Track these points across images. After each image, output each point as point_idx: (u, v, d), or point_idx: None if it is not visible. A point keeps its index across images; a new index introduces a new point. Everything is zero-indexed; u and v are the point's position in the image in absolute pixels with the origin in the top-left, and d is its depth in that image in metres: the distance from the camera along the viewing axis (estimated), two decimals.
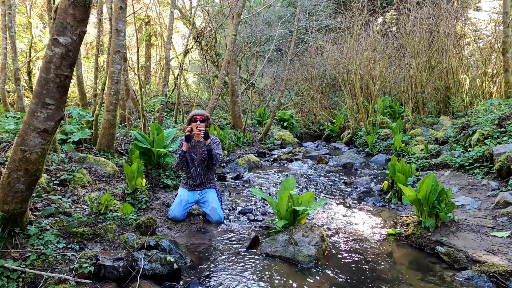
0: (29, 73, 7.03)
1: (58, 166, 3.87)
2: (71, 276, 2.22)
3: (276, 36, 13.18)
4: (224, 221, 3.77)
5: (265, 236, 3.35)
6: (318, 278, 2.60)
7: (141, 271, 2.44)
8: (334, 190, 5.25)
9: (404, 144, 7.65)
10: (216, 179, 4.08)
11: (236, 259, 2.88)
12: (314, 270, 2.71)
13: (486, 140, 5.43)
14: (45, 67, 2.11)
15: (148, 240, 2.79)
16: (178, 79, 9.34)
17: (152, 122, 5.98)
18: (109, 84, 4.82)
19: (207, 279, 2.53)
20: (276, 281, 2.52)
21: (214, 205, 3.73)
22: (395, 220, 3.80)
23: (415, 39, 9.74)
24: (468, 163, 5.31)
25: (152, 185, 4.62)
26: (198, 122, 3.64)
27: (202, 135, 3.61)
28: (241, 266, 2.77)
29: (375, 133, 8.80)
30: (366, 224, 3.78)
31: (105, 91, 5.10)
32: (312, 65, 13.98)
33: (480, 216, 3.64)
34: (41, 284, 2.17)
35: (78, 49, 2.18)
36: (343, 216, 4.03)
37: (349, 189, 5.25)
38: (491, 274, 2.50)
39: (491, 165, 4.91)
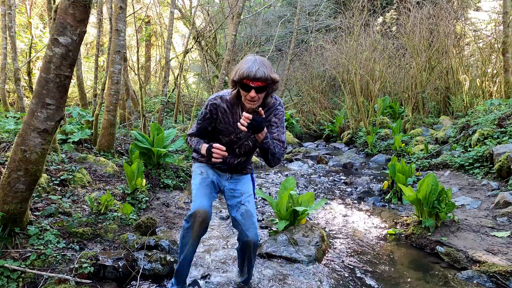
0: (29, 73, 7.02)
1: (58, 166, 3.87)
2: (71, 276, 2.22)
3: (276, 36, 13.18)
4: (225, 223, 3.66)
5: (265, 236, 3.35)
6: (318, 278, 2.60)
7: (141, 271, 2.44)
8: (334, 190, 5.25)
9: (404, 144, 7.65)
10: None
11: (236, 259, 2.88)
12: (314, 270, 2.71)
13: (486, 140, 5.43)
14: (45, 67, 2.11)
15: (148, 240, 2.79)
16: (178, 79, 9.35)
17: (152, 122, 5.98)
18: (109, 84, 4.82)
19: (207, 279, 2.53)
20: (276, 281, 2.52)
21: (250, 208, 2.23)
22: (395, 220, 3.80)
23: (415, 39, 9.74)
24: (468, 163, 5.31)
25: (152, 185, 4.62)
26: (253, 93, 1.89)
27: (245, 127, 1.88)
28: None
29: (375, 133, 8.80)
30: (366, 224, 3.78)
31: (105, 91, 5.11)
32: (312, 65, 13.97)
33: (480, 216, 3.64)
34: (41, 284, 2.17)
35: (78, 49, 2.18)
36: (343, 216, 4.03)
37: (349, 189, 5.25)
38: (491, 274, 2.50)
39: (491, 165, 4.91)
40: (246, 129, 1.90)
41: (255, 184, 2.58)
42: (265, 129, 1.96)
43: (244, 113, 1.90)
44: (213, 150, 1.99)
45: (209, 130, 2.19)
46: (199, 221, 2.07)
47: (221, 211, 4.07)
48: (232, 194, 2.29)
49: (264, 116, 1.96)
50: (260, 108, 1.94)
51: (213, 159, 1.99)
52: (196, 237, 2.12)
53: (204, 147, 2.08)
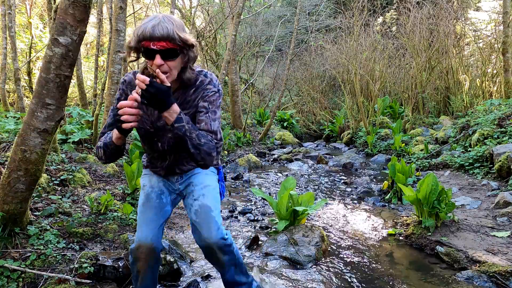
0: (29, 73, 7.02)
1: (58, 166, 3.87)
2: (71, 276, 2.22)
3: (276, 36, 13.17)
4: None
5: (265, 236, 3.35)
6: (318, 278, 2.60)
7: None
8: (334, 190, 5.25)
9: (404, 144, 7.65)
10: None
11: None
12: (314, 270, 2.71)
13: (486, 140, 5.43)
14: (45, 67, 2.11)
15: None
16: None
17: None
18: (109, 84, 4.83)
19: (207, 279, 2.53)
20: (276, 281, 2.52)
21: (206, 202, 1.69)
22: (395, 220, 3.80)
23: (415, 39, 9.74)
24: (468, 163, 5.31)
25: None
26: (158, 59, 1.35)
27: (140, 96, 1.32)
28: None
29: (375, 133, 8.80)
30: (366, 224, 3.78)
31: (105, 91, 5.11)
32: (312, 65, 13.97)
33: (480, 216, 3.64)
34: (41, 284, 2.17)
35: (78, 49, 2.18)
36: (343, 216, 4.03)
37: (349, 189, 5.25)
38: (491, 274, 2.50)
39: (491, 165, 4.91)
40: (143, 100, 1.29)
41: (224, 182, 1.98)
42: (174, 107, 1.35)
43: (138, 75, 1.30)
44: (121, 106, 1.33)
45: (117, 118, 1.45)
46: (143, 259, 1.63)
47: (221, 210, 4.07)
48: (187, 191, 1.76)
49: (168, 84, 1.33)
50: (159, 71, 1.31)
51: (123, 119, 1.33)
52: (144, 278, 1.67)
53: (115, 133, 1.46)
